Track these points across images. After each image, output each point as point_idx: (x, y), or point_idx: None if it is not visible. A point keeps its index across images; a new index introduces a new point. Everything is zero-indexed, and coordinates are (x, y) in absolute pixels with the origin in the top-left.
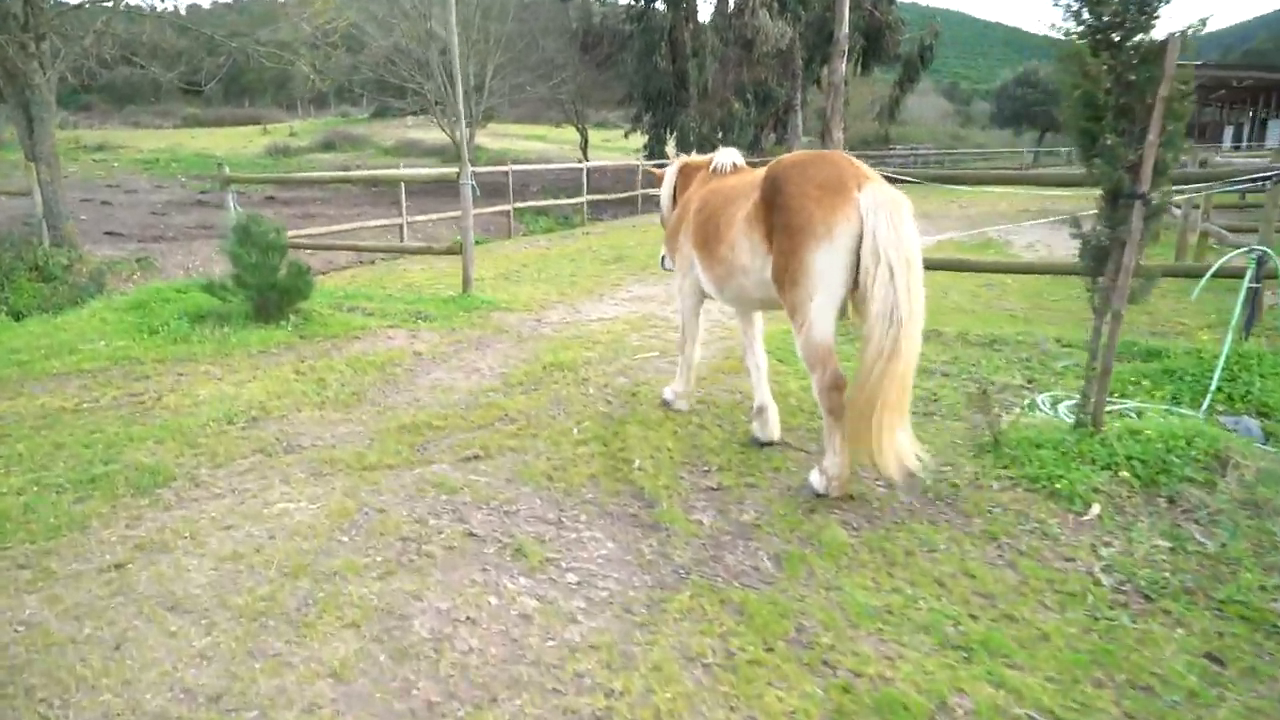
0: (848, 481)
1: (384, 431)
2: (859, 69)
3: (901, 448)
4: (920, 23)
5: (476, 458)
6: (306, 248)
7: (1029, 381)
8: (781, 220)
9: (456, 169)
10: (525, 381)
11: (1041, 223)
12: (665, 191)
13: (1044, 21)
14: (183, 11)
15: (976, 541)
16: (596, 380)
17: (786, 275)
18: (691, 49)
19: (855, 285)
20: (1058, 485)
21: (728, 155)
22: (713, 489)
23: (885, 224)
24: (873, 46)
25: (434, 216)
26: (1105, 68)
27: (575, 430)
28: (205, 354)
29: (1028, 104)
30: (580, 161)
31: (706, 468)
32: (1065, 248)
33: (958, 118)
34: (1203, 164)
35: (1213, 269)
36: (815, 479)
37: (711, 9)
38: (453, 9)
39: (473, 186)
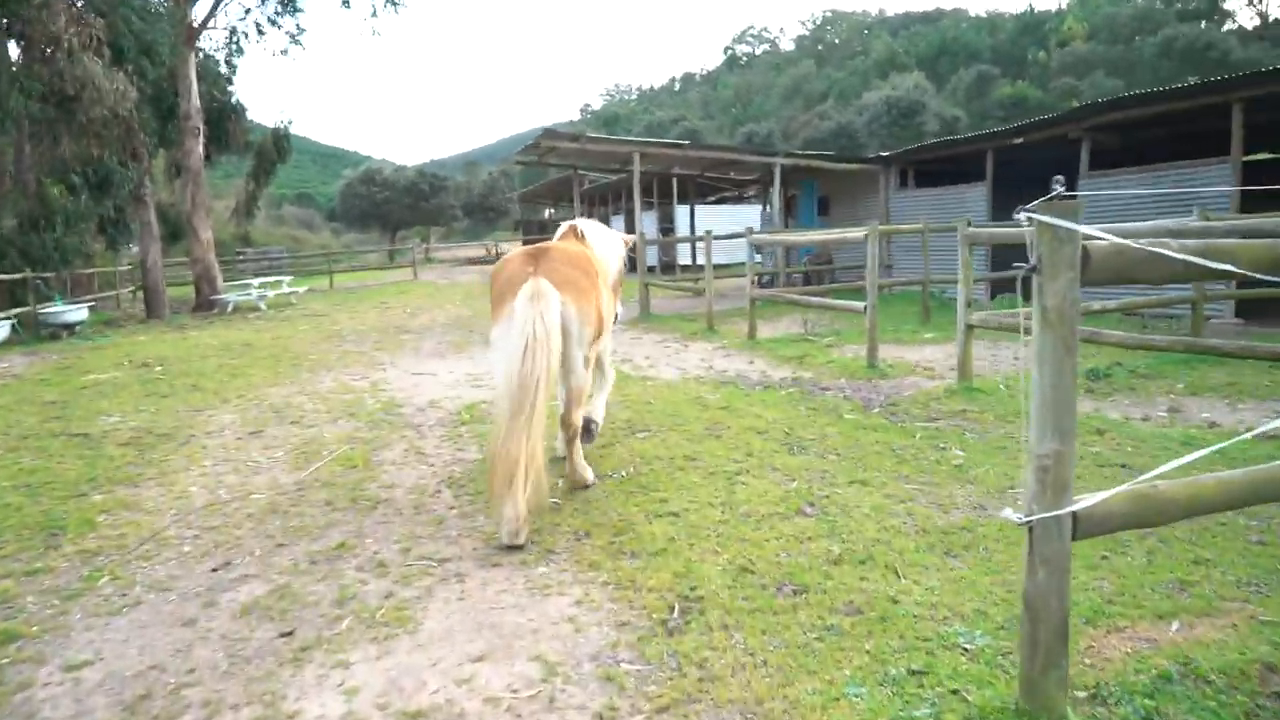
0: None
1: None
2: (205, 159)
3: (508, 512)
4: None
5: None
6: None
7: None
8: None
9: None
10: None
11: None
12: None
13: None
14: None
15: None
16: None
17: None
18: None
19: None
20: None
21: (569, 224)
22: None
23: (516, 320)
24: (216, 132)
25: None
26: None
27: None
28: None
29: (375, 202)
30: None
31: None
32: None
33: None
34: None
35: None
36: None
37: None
38: None
39: None
